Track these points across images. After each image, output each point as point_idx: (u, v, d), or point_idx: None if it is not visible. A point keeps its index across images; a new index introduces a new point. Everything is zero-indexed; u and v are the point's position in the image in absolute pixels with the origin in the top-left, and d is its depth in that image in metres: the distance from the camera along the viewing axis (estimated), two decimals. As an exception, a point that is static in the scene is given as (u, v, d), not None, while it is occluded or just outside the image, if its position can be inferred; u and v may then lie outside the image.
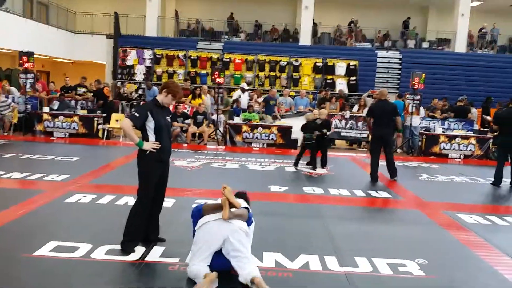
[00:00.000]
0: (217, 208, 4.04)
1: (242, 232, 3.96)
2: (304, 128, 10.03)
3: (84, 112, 13.45)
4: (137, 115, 4.44)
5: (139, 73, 20.14)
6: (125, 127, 4.36)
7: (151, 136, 4.48)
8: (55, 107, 13.86)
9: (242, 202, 4.24)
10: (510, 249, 5.08)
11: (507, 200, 8.16)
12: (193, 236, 4.12)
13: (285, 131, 13.14)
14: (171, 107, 13.18)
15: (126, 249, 4.48)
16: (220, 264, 3.91)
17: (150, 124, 4.46)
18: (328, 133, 9.94)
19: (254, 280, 3.64)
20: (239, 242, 3.89)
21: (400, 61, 21.62)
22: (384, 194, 7.71)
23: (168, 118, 4.70)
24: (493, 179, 8.97)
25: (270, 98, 14.34)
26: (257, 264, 4.05)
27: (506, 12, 24.66)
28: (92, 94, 14.73)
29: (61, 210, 5.84)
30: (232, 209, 4.05)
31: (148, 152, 4.44)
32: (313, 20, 23.00)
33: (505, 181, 8.93)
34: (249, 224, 4.14)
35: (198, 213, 4.14)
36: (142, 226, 4.61)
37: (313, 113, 10.60)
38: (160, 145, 4.46)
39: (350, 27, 24.16)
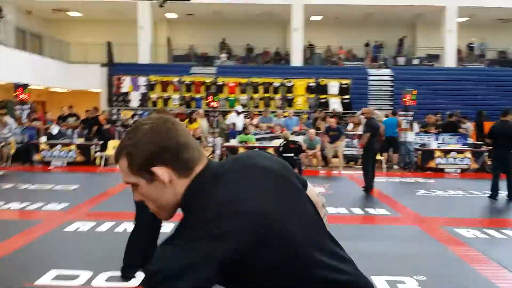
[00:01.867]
0: None
1: None
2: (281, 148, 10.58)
3: (81, 141, 13.52)
4: None
5: (135, 99, 20.30)
6: None
7: None
8: (54, 132, 13.88)
9: None
10: (508, 262, 5.11)
11: (504, 213, 8.22)
12: None
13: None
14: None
15: (127, 275, 4.50)
16: None
17: None
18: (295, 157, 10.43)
19: None
20: None
21: (392, 78, 21.88)
22: (382, 211, 7.76)
23: None
24: (490, 192, 9.04)
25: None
26: None
27: (494, 27, 25.08)
28: (81, 122, 14.75)
29: (61, 239, 5.87)
30: None
31: None
32: (303, 41, 23.33)
33: (502, 193, 9.00)
34: None
35: None
36: (141, 252, 4.61)
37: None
38: None
39: (367, 48, 24.51)
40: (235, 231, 1.11)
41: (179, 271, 1.06)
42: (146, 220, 4.51)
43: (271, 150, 13.11)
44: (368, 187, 9.46)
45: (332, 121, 13.17)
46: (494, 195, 8.93)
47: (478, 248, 5.63)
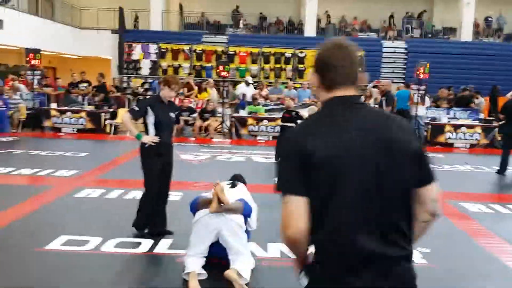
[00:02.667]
0: (209, 202, 4.02)
1: (236, 226, 3.95)
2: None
3: (91, 108, 13.59)
4: (137, 109, 4.71)
5: (145, 67, 20.24)
6: (125, 120, 4.67)
7: (151, 130, 4.66)
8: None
9: (236, 194, 4.20)
10: (512, 237, 5.15)
11: (510, 189, 8.20)
12: None
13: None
14: (177, 101, 13.33)
15: (136, 234, 4.78)
16: (220, 251, 3.96)
17: (150, 119, 4.64)
18: None
19: (229, 272, 3.67)
20: (233, 235, 3.90)
21: (406, 51, 21.54)
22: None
23: (173, 114, 4.83)
24: (498, 168, 9.00)
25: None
26: (250, 260, 3.99)
27: (512, 0, 24.46)
28: (94, 89, 14.78)
29: (71, 205, 5.97)
30: (225, 204, 4.02)
31: (147, 145, 4.61)
32: (318, 11, 22.91)
33: (510, 169, 8.95)
34: (247, 214, 4.11)
35: (194, 206, 4.19)
36: (150, 216, 4.82)
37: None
38: (159, 139, 4.61)
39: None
40: (286, 148, 1.69)
41: (279, 160, 1.70)
42: (153, 185, 4.72)
43: (279, 122, 13.10)
44: None
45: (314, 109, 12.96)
46: (502, 170, 8.90)
47: (483, 223, 5.66)
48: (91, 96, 14.48)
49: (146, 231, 4.86)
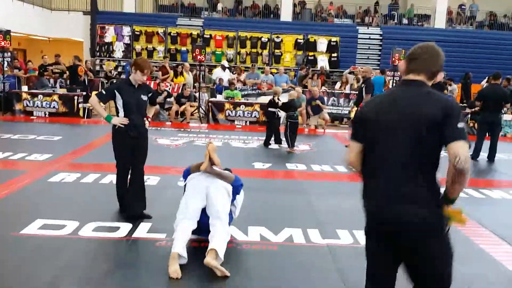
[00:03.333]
0: (201, 165, 4.15)
1: (223, 189, 4.06)
2: (287, 106, 9.82)
3: (64, 91, 13.27)
4: (104, 92, 4.84)
5: (118, 50, 19.86)
6: (93, 103, 4.84)
7: (121, 112, 4.77)
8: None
9: (230, 173, 4.33)
10: (487, 221, 5.29)
11: (484, 174, 8.41)
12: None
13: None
14: (153, 85, 13.14)
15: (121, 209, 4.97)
16: (206, 219, 4.01)
17: (119, 102, 4.76)
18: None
19: (207, 253, 3.67)
20: (220, 198, 4.01)
21: (381, 38, 21.71)
22: (365, 169, 7.86)
23: (144, 97, 4.86)
24: (471, 154, 9.21)
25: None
26: (226, 230, 3.98)
27: (485, -12, 24.86)
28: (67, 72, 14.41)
29: (46, 189, 5.85)
30: (215, 167, 4.16)
31: (117, 127, 4.74)
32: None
33: (482, 155, 9.17)
34: (237, 191, 4.23)
35: (187, 173, 4.31)
36: (122, 198, 4.93)
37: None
38: (128, 121, 4.70)
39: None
40: (357, 114, 2.60)
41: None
42: (122, 165, 4.88)
43: (257, 107, 13.09)
44: None
45: (315, 90, 13.03)
46: (475, 156, 9.11)
47: (457, 207, 5.77)
48: (67, 78, 14.11)
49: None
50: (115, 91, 4.74)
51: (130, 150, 4.78)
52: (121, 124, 4.71)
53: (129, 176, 4.88)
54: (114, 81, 15.78)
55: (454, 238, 4.70)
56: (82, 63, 14.88)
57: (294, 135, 9.43)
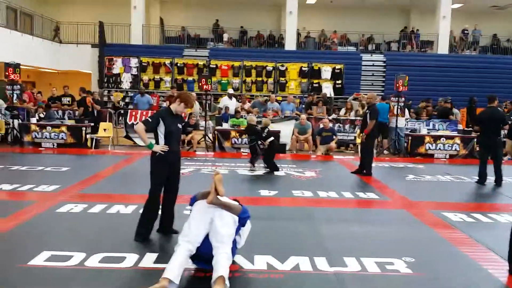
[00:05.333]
0: (208, 194, 4.21)
1: (229, 217, 4.10)
2: (247, 131, 10.48)
3: (72, 122, 13.44)
4: (150, 120, 5.07)
5: (126, 81, 20.18)
6: (139, 130, 5.04)
7: (161, 140, 5.05)
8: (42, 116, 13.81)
9: (237, 205, 4.35)
10: (494, 245, 5.22)
11: (491, 198, 8.35)
12: None
13: (274, 136, 13.22)
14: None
15: (139, 238, 5.05)
16: (208, 247, 4.00)
17: (161, 129, 5.03)
18: (268, 140, 10.16)
19: (215, 282, 3.68)
20: (225, 225, 4.04)
21: (384, 64, 21.91)
22: (372, 195, 7.85)
23: (180, 125, 5.26)
24: (478, 178, 9.17)
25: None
26: (230, 257, 4.00)
27: (487, 14, 25.13)
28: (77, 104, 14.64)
29: (53, 220, 5.88)
30: (222, 198, 4.20)
31: (157, 154, 4.99)
32: (298, 25, 23.18)
33: (490, 179, 9.13)
34: (243, 223, 4.26)
35: (193, 200, 4.41)
36: (153, 217, 5.17)
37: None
38: (168, 148, 5.00)
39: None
40: None
41: None
42: (157, 190, 5.11)
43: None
44: (370, 172, 9.71)
45: (326, 122, 13.12)
46: (481, 180, 9.07)
47: (465, 232, 5.74)
48: (72, 110, 14.33)
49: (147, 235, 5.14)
50: (160, 119, 5.02)
51: (167, 175, 5.10)
52: (162, 151, 4.98)
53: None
54: (122, 112, 16.00)
55: (462, 262, 4.70)
56: (89, 94, 15.11)
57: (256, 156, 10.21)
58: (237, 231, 4.22)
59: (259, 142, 10.18)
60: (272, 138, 10.29)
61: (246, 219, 4.30)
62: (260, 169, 10.13)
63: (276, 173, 9.86)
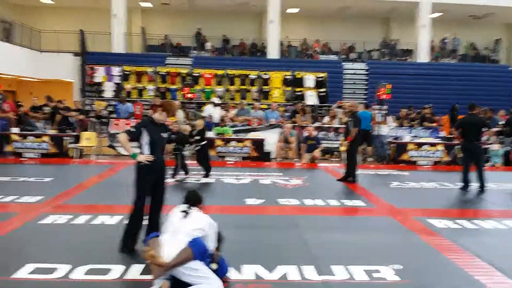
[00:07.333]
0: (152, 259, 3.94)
1: (185, 268, 3.91)
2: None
3: (54, 132, 13.25)
4: (132, 130, 5.03)
5: (108, 90, 19.98)
6: (121, 140, 4.98)
7: (146, 149, 5.02)
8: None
9: (190, 225, 4.16)
10: (480, 251, 5.29)
11: (475, 204, 8.46)
12: None
13: (259, 144, 13.27)
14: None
15: (125, 249, 4.97)
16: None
17: (145, 139, 5.01)
18: (193, 146, 10.21)
19: None
20: (189, 276, 3.93)
21: (366, 72, 22.13)
22: (358, 203, 7.89)
23: (164, 134, 5.21)
24: (461, 184, 9.29)
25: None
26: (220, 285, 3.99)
27: (466, 23, 25.63)
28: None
29: (37, 232, 5.77)
30: (168, 259, 3.88)
31: (142, 163, 4.95)
32: (280, 34, 23.31)
33: (473, 185, 9.24)
34: (201, 257, 3.99)
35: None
36: (138, 228, 5.09)
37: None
38: (152, 158, 4.97)
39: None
40: None
41: None
42: (141, 200, 5.05)
43: (248, 143, 13.14)
44: (355, 179, 9.79)
45: (311, 130, 13.18)
46: (465, 186, 9.19)
47: (450, 238, 5.80)
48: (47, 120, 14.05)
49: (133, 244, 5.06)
50: (143, 128, 5.01)
51: (152, 185, 5.07)
52: (146, 161, 4.95)
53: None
54: (105, 120, 15.83)
55: (449, 269, 4.74)
56: (70, 102, 14.81)
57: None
58: (206, 260, 4.07)
59: (183, 148, 10.05)
60: (204, 142, 10.14)
61: (203, 251, 4.00)
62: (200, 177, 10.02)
63: (261, 181, 9.83)
